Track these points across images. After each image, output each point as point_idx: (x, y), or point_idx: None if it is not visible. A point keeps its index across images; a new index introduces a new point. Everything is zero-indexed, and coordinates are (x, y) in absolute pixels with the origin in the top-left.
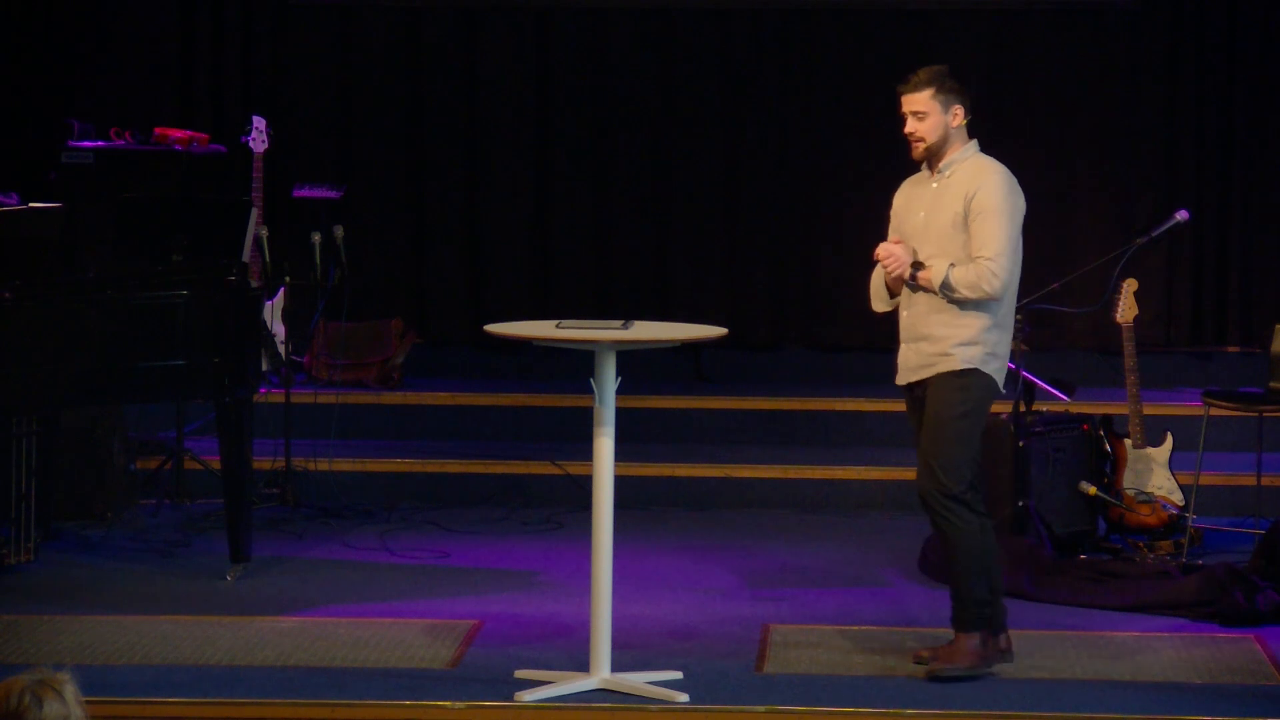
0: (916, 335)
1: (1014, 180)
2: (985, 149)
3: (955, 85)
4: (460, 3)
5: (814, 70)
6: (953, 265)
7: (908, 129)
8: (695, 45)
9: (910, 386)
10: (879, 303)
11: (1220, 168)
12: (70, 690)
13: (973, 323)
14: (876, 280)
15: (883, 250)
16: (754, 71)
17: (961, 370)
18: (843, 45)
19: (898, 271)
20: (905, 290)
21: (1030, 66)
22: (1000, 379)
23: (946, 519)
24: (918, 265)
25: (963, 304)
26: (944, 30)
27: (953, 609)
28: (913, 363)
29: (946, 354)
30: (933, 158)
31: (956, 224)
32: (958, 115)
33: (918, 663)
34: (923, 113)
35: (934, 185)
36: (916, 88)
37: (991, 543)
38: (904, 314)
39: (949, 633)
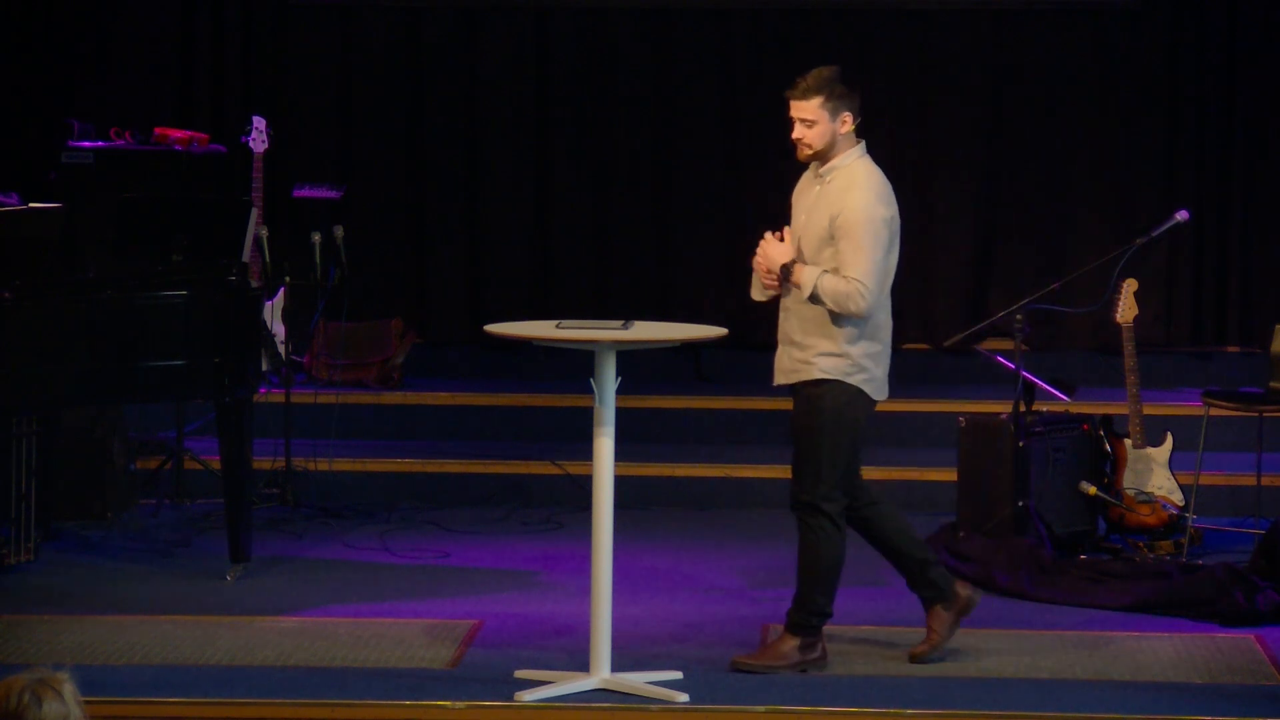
0: (788, 339)
1: (883, 192)
2: (985, 149)
3: (844, 90)
4: (460, 3)
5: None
6: (825, 273)
7: (795, 135)
8: (695, 45)
9: (788, 388)
10: (756, 291)
11: (1220, 168)
12: (69, 690)
13: (839, 333)
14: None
15: (758, 255)
16: (754, 71)
17: (818, 380)
18: (843, 45)
19: (767, 272)
20: (784, 297)
21: (1030, 66)
22: (873, 389)
23: (804, 523)
24: (788, 267)
25: (824, 311)
26: (944, 30)
27: (790, 610)
28: (784, 365)
29: (809, 362)
30: (819, 161)
31: (823, 237)
32: (846, 122)
33: (913, 660)
34: (811, 120)
35: (817, 189)
36: (805, 95)
37: (840, 552)
38: (780, 315)
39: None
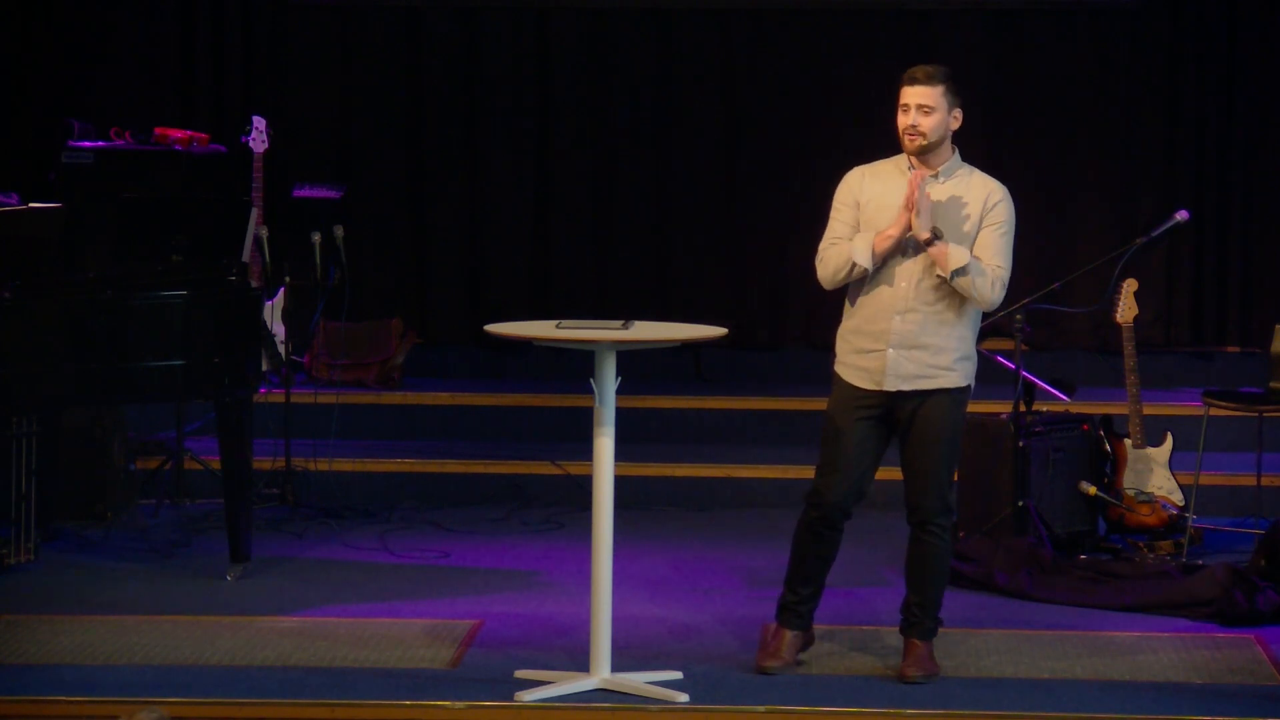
0: (913, 343)
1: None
2: (987, 149)
3: (958, 89)
4: (460, 2)
5: (814, 70)
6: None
7: (910, 121)
8: (695, 45)
9: (880, 395)
10: (865, 257)
11: (1220, 168)
12: None
13: (967, 335)
14: (861, 243)
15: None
16: (754, 71)
17: (963, 387)
18: (843, 45)
19: (925, 221)
20: (892, 295)
21: (1030, 66)
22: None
23: (940, 538)
24: (937, 232)
25: (956, 313)
26: (944, 30)
27: (921, 620)
28: (907, 370)
29: (949, 368)
30: (928, 156)
31: (967, 230)
32: (958, 119)
33: (904, 681)
34: (930, 107)
35: (931, 186)
36: (930, 81)
37: None
38: (895, 319)
39: (944, 633)
